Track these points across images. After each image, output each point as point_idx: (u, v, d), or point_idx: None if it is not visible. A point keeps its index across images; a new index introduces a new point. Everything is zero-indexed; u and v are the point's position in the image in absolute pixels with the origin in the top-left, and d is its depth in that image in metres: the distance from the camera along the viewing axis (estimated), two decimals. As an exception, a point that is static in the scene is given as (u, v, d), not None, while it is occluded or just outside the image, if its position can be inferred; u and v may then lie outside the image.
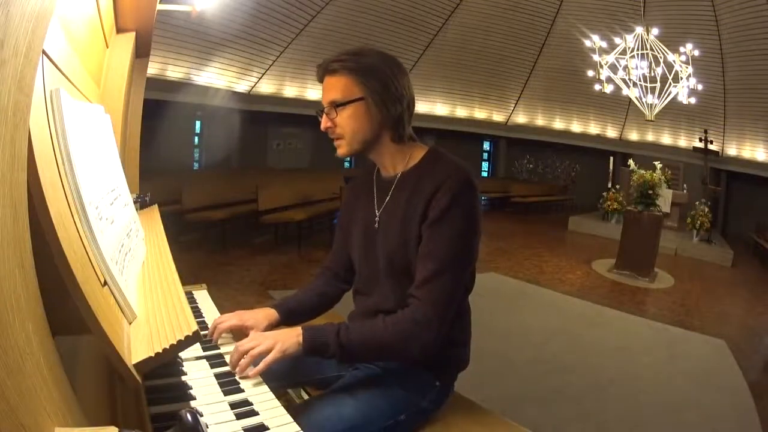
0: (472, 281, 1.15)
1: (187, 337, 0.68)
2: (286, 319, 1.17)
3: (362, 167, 1.27)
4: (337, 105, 1.04)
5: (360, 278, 1.22)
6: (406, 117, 1.08)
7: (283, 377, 1.14)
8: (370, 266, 1.16)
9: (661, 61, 7.24)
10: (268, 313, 1.14)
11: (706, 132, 9.07)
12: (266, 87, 8.96)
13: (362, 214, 1.18)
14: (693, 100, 7.73)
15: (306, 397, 1.26)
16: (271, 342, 0.95)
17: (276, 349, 0.94)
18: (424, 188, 1.04)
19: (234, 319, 1.09)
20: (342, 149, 1.09)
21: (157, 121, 6.63)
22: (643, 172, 5.77)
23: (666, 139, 10.52)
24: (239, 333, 1.09)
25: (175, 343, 0.67)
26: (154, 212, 1.42)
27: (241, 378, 0.91)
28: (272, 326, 1.13)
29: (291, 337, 0.97)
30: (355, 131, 1.06)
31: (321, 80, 1.08)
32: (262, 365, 0.92)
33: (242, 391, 0.88)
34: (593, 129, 11.38)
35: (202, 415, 0.58)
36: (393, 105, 1.05)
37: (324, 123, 1.07)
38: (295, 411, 0.88)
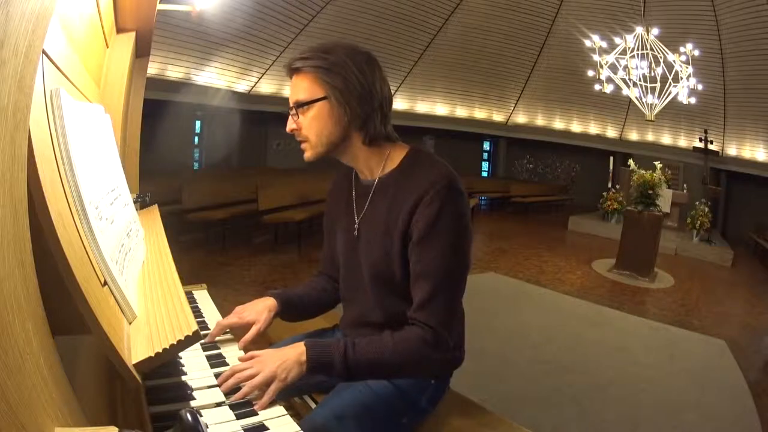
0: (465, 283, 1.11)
1: (187, 337, 0.68)
2: (285, 310, 1.14)
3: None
4: (299, 105, 0.99)
5: (344, 285, 1.18)
6: (377, 117, 1.00)
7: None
8: (352, 274, 1.13)
9: (661, 61, 7.24)
10: (267, 304, 1.12)
11: (706, 132, 9.08)
12: (266, 87, 8.96)
13: (343, 220, 1.14)
14: (693, 100, 7.73)
15: (312, 404, 1.23)
16: (273, 369, 0.89)
17: (278, 379, 0.88)
18: (405, 198, 0.98)
19: (233, 317, 1.07)
20: (307, 153, 1.02)
21: (157, 121, 6.63)
22: (643, 172, 5.77)
23: (666, 139, 10.52)
24: (241, 330, 1.08)
25: (175, 343, 0.67)
26: (154, 212, 1.42)
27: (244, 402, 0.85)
28: (272, 316, 1.11)
29: (292, 358, 0.92)
30: (319, 133, 0.99)
31: (290, 78, 1.02)
32: (266, 398, 0.85)
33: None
34: (593, 129, 11.38)
35: (202, 416, 0.58)
36: (359, 104, 0.97)
37: (289, 125, 1.02)
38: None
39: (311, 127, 1.00)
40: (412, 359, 0.96)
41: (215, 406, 0.81)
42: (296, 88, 1.00)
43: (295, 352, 0.93)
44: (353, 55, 0.98)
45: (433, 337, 0.95)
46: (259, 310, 1.10)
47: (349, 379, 0.98)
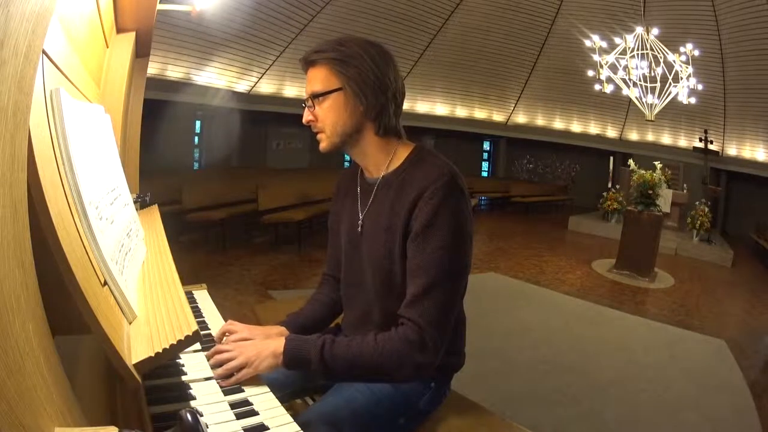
0: (464, 286, 1.07)
1: (187, 337, 0.68)
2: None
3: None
4: (315, 96, 1.01)
5: (345, 284, 1.17)
6: (390, 108, 1.02)
7: (288, 386, 1.12)
8: (354, 272, 1.12)
9: (661, 61, 7.23)
10: (280, 331, 1.10)
11: (706, 132, 9.07)
12: (266, 87, 8.95)
13: (347, 216, 1.14)
14: (693, 100, 7.72)
15: (312, 404, 1.24)
16: (248, 357, 0.92)
17: (250, 366, 0.91)
18: (407, 195, 0.99)
19: (245, 332, 1.06)
20: (323, 143, 1.04)
21: (157, 121, 6.63)
22: (643, 172, 5.77)
23: (666, 139, 10.52)
24: None
25: (175, 343, 0.67)
26: (154, 212, 1.42)
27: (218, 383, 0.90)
28: None
29: (270, 349, 0.94)
30: (335, 123, 1.01)
31: (305, 72, 1.04)
32: (233, 380, 0.90)
33: (242, 391, 0.88)
34: (593, 129, 11.38)
35: (202, 415, 0.58)
36: (374, 95, 0.99)
37: (305, 116, 1.04)
38: None
39: (327, 118, 1.01)
40: (392, 359, 0.92)
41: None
42: (312, 80, 1.02)
43: (274, 345, 0.96)
44: (367, 47, 1.01)
45: (418, 336, 0.92)
46: (272, 336, 1.06)
47: (329, 378, 0.99)
